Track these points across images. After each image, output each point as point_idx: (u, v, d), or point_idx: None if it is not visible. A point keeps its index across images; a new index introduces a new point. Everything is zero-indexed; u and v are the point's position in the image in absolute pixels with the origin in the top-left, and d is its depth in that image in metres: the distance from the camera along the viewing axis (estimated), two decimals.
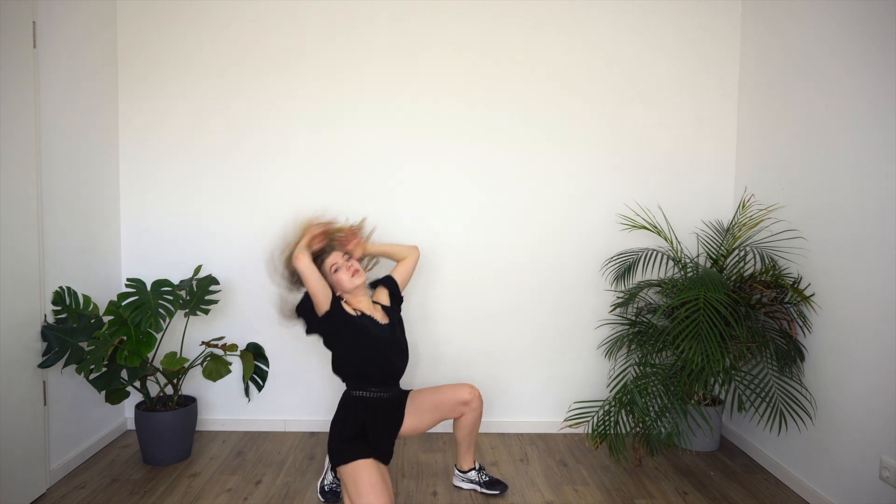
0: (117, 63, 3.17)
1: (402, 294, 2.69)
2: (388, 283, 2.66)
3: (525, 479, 2.79)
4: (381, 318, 2.52)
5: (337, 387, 3.32)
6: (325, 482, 2.60)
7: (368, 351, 2.42)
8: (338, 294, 2.48)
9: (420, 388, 2.67)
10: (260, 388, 3.03)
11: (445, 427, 3.25)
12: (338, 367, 2.50)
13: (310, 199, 3.24)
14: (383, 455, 2.42)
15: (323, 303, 2.37)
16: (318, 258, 2.47)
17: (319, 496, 2.57)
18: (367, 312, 2.48)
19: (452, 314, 3.30)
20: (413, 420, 2.50)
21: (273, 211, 3.24)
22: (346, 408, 2.47)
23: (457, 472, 2.66)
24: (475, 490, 2.63)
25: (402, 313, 2.73)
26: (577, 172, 3.27)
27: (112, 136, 3.16)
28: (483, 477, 2.63)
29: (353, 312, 2.44)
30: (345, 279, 2.44)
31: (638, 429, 2.75)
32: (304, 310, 2.43)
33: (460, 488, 2.66)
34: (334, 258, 2.47)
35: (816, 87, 2.63)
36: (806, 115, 2.70)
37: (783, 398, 2.65)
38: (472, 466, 2.64)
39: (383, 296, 2.63)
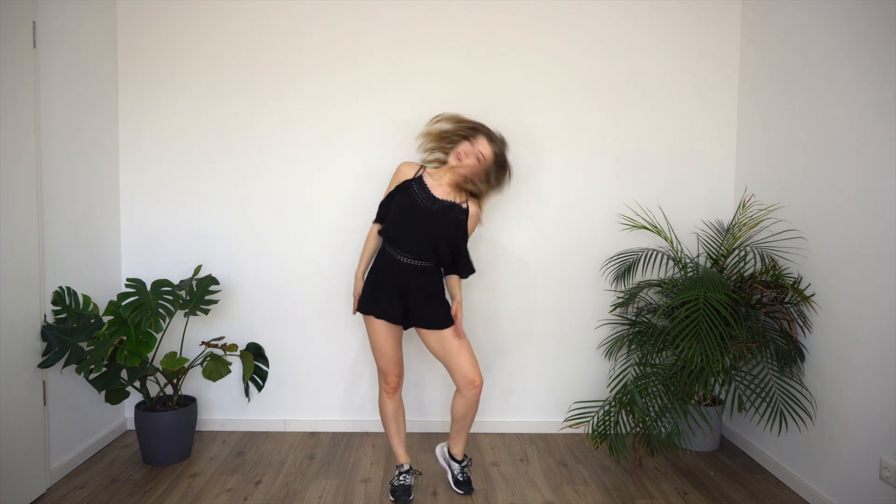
0: (117, 63, 3.17)
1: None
2: (474, 213, 2.61)
3: (525, 479, 2.79)
4: (443, 196, 2.53)
5: (336, 387, 3.33)
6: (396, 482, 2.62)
7: (404, 213, 2.50)
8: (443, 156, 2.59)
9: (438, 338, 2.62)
10: (260, 388, 3.03)
11: (444, 428, 3.25)
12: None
13: (310, 197, 3.24)
14: (395, 316, 2.51)
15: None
16: (484, 131, 2.54)
17: (390, 496, 2.59)
18: (430, 186, 2.53)
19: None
20: (434, 341, 2.55)
21: (273, 210, 3.24)
22: (377, 258, 2.59)
23: (446, 449, 2.71)
24: (447, 474, 2.70)
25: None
26: (577, 172, 3.27)
27: (112, 135, 3.16)
28: (461, 475, 2.65)
29: (422, 177, 2.56)
30: (459, 153, 2.49)
31: (638, 429, 2.75)
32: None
33: (436, 458, 2.81)
34: (482, 147, 2.49)
35: (817, 87, 2.63)
36: (806, 114, 2.70)
37: (783, 398, 2.65)
38: (459, 459, 2.67)
39: (473, 205, 2.59)
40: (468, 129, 2.55)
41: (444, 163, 2.61)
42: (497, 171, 2.56)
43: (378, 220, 2.64)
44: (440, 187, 2.54)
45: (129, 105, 3.20)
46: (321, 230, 3.26)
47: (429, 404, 3.32)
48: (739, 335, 2.64)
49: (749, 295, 2.77)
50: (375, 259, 2.62)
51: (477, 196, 2.60)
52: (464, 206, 2.57)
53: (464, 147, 2.51)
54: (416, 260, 2.51)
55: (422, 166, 2.61)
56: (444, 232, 2.52)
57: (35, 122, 2.53)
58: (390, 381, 2.59)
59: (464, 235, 2.58)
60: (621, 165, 3.27)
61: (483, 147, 2.50)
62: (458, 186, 2.56)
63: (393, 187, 2.59)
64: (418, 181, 2.55)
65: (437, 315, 2.53)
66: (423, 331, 2.56)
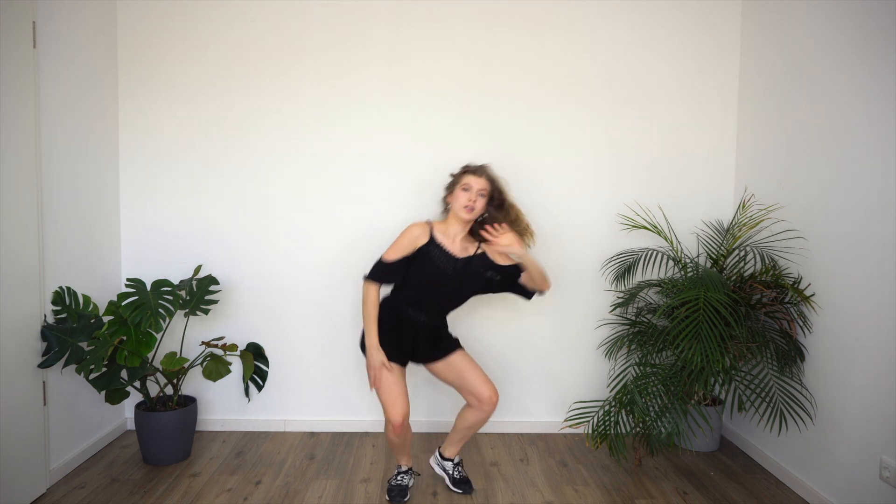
0: (117, 63, 3.17)
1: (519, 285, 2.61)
2: (514, 270, 2.55)
3: (525, 479, 2.79)
4: (459, 252, 2.51)
5: (336, 387, 3.33)
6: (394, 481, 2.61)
7: (429, 279, 2.47)
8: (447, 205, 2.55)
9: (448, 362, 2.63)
10: (260, 388, 3.03)
11: (445, 428, 3.25)
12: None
13: (310, 198, 3.24)
14: (401, 359, 2.52)
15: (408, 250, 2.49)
16: (464, 170, 2.53)
17: (386, 496, 2.58)
18: (445, 244, 2.50)
19: (453, 315, 3.29)
20: (442, 369, 2.55)
21: (273, 210, 3.25)
22: (386, 308, 2.53)
23: (437, 453, 2.72)
24: (444, 479, 2.69)
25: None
26: (577, 172, 3.27)
27: (112, 135, 3.16)
28: (456, 473, 2.66)
29: (434, 236, 2.50)
30: (462, 200, 2.45)
31: (638, 429, 2.75)
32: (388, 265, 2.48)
33: (433, 469, 2.75)
34: (475, 182, 2.46)
35: (816, 88, 2.63)
36: (806, 114, 2.70)
37: (783, 398, 2.65)
38: (452, 458, 2.68)
39: (501, 257, 2.56)
40: (456, 175, 2.55)
41: (446, 216, 2.58)
42: (493, 190, 2.52)
43: (376, 279, 2.49)
44: (454, 244, 2.52)
45: (129, 105, 3.20)
46: (321, 230, 3.26)
47: (436, 405, 3.32)
48: (739, 335, 2.64)
49: (749, 295, 2.77)
50: (387, 316, 2.51)
51: (491, 224, 2.52)
52: (478, 252, 2.55)
53: (456, 191, 2.50)
54: (437, 317, 2.58)
55: (429, 224, 2.54)
56: (467, 288, 2.57)
57: (35, 122, 2.53)
58: (394, 418, 2.42)
59: (488, 281, 2.56)
60: (621, 165, 3.27)
61: (466, 180, 2.48)
62: (467, 231, 2.54)
63: (406, 252, 2.47)
64: (433, 244, 2.48)
65: (441, 347, 2.56)
66: (430, 364, 2.58)
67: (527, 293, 2.62)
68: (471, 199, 2.45)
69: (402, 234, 2.49)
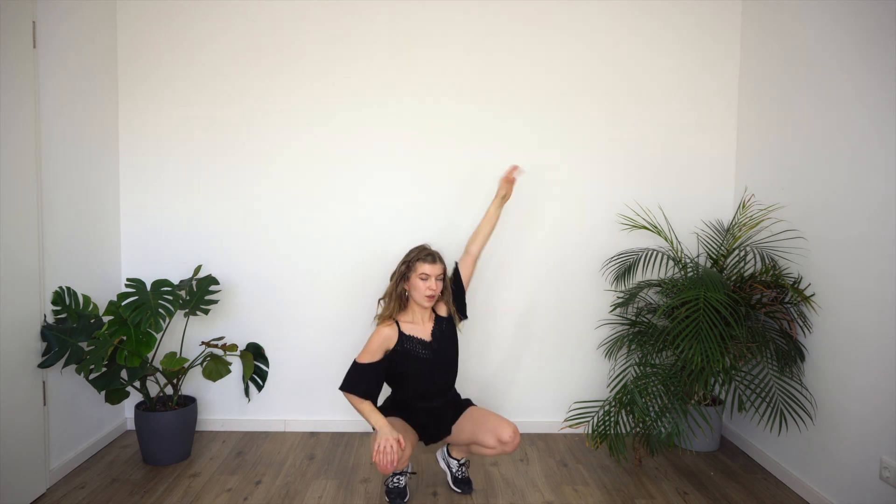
0: (117, 63, 3.17)
1: (467, 286, 2.67)
2: (450, 289, 2.59)
3: (525, 479, 2.79)
4: (427, 335, 2.53)
5: (336, 387, 3.32)
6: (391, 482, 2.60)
7: (420, 372, 2.50)
8: (404, 295, 2.52)
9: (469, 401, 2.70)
10: (260, 388, 3.03)
11: None
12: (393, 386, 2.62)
13: (310, 198, 3.24)
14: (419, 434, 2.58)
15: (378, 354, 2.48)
16: (416, 257, 2.50)
17: (386, 497, 2.58)
18: (415, 334, 2.51)
19: None
20: (460, 427, 2.57)
21: (274, 210, 3.25)
22: (396, 408, 2.58)
23: (446, 449, 2.73)
24: (446, 475, 2.71)
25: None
26: (577, 172, 3.27)
27: (112, 135, 3.16)
28: (459, 472, 2.67)
29: (403, 332, 2.49)
30: (422, 291, 2.46)
31: (638, 429, 2.75)
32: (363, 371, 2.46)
33: (437, 461, 2.78)
34: (430, 269, 2.47)
35: (816, 87, 2.63)
36: (806, 114, 2.70)
37: (783, 398, 2.65)
38: (460, 458, 2.69)
39: (442, 308, 2.61)
40: (402, 268, 2.52)
41: (405, 305, 2.55)
42: (444, 269, 2.55)
43: (352, 390, 2.42)
44: (423, 326, 2.54)
45: (130, 104, 3.20)
46: (321, 230, 3.26)
47: None
48: (739, 335, 2.64)
49: (749, 295, 2.77)
50: (402, 416, 2.56)
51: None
52: (440, 314, 2.59)
53: (412, 280, 2.48)
54: (445, 394, 2.61)
55: (393, 321, 2.51)
56: (452, 355, 2.59)
57: (35, 122, 2.53)
58: (387, 469, 2.25)
59: (455, 292, 2.62)
60: (621, 165, 3.27)
61: (423, 270, 2.46)
62: (429, 310, 2.57)
63: (377, 355, 2.45)
64: (406, 339, 2.49)
65: (456, 415, 2.60)
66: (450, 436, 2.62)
67: (463, 311, 2.65)
68: (430, 287, 2.46)
69: (371, 338, 2.47)
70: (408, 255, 2.54)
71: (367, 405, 2.42)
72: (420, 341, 2.51)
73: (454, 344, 2.61)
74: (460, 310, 2.64)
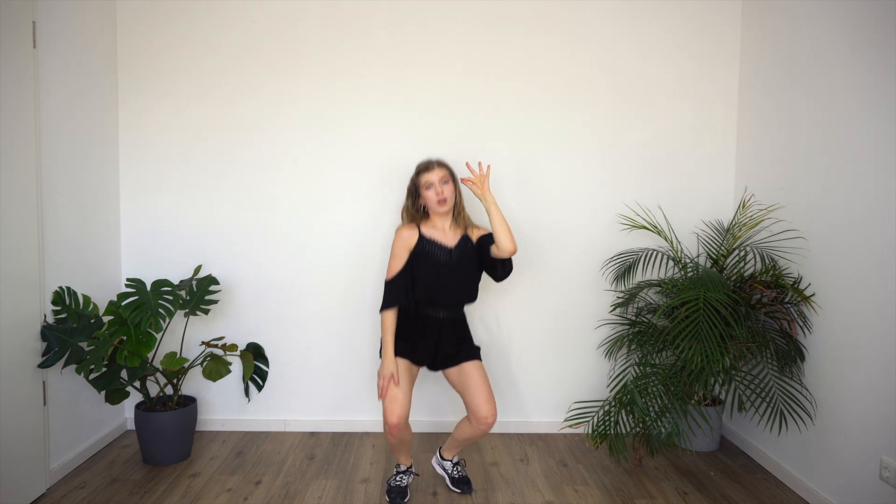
0: (117, 63, 3.17)
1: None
2: (487, 238, 2.56)
3: (525, 479, 2.79)
4: (449, 242, 2.53)
5: (336, 387, 3.33)
6: (393, 482, 2.61)
7: (434, 274, 2.49)
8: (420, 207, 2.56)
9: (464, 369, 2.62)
10: (260, 388, 3.03)
11: (447, 428, 3.26)
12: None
13: (310, 198, 3.24)
14: (424, 359, 2.56)
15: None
16: (416, 172, 2.54)
17: (386, 497, 2.58)
18: (437, 238, 2.52)
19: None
20: (454, 375, 2.57)
21: (273, 210, 3.25)
22: (405, 316, 2.55)
23: (438, 453, 2.74)
24: (444, 479, 2.71)
25: None
26: (577, 173, 3.27)
27: (112, 135, 3.16)
28: (455, 472, 2.67)
29: (423, 235, 2.52)
30: (432, 198, 2.49)
31: (638, 429, 2.75)
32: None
33: (434, 468, 2.78)
34: (431, 176, 2.49)
35: (816, 87, 2.63)
36: (806, 114, 2.70)
37: (783, 398, 2.65)
38: (451, 459, 2.69)
39: (476, 233, 2.61)
40: (411, 186, 2.57)
41: (427, 216, 2.58)
42: (450, 171, 2.55)
43: (391, 304, 2.50)
44: (446, 234, 2.55)
45: (129, 104, 3.20)
46: (321, 230, 3.26)
47: (437, 405, 3.32)
48: (739, 335, 2.64)
49: (749, 295, 2.77)
50: (406, 323, 2.54)
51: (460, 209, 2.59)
52: (469, 235, 2.58)
53: (422, 193, 2.52)
54: (454, 310, 2.59)
55: (415, 223, 2.56)
56: (471, 272, 2.57)
57: (35, 122, 2.53)
58: (391, 419, 2.40)
59: (481, 261, 2.58)
60: (621, 165, 3.27)
61: (425, 179, 2.49)
62: (455, 221, 2.57)
63: (403, 258, 2.51)
64: (425, 241, 2.52)
65: (461, 350, 2.57)
66: (447, 369, 2.59)
67: (496, 272, 2.59)
68: (438, 192, 2.48)
69: (393, 243, 2.53)
70: (413, 174, 2.57)
71: (390, 333, 2.49)
72: (441, 246, 2.52)
73: (476, 265, 2.58)
74: (490, 273, 2.61)
